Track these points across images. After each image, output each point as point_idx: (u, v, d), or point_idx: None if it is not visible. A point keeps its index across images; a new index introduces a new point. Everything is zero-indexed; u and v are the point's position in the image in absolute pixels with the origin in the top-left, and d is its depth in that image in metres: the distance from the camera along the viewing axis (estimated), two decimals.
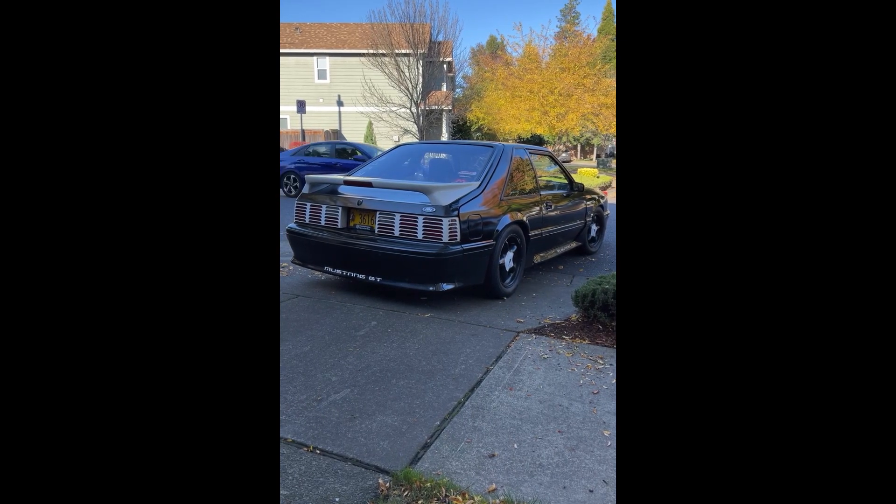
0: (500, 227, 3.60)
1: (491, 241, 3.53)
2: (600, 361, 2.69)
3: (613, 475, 1.73)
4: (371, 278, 3.51)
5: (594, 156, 31.87)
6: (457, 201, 3.37)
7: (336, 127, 22.46)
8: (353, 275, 3.59)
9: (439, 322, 3.26)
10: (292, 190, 10.83)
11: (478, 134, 28.63)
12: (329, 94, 22.52)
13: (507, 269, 3.82)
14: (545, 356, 2.76)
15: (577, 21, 36.40)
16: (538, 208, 4.16)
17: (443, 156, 4.78)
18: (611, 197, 10.76)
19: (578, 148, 35.74)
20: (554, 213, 4.42)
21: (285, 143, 19.98)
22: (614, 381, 2.45)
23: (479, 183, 3.64)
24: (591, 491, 1.67)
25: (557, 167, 4.99)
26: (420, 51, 18.85)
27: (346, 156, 11.18)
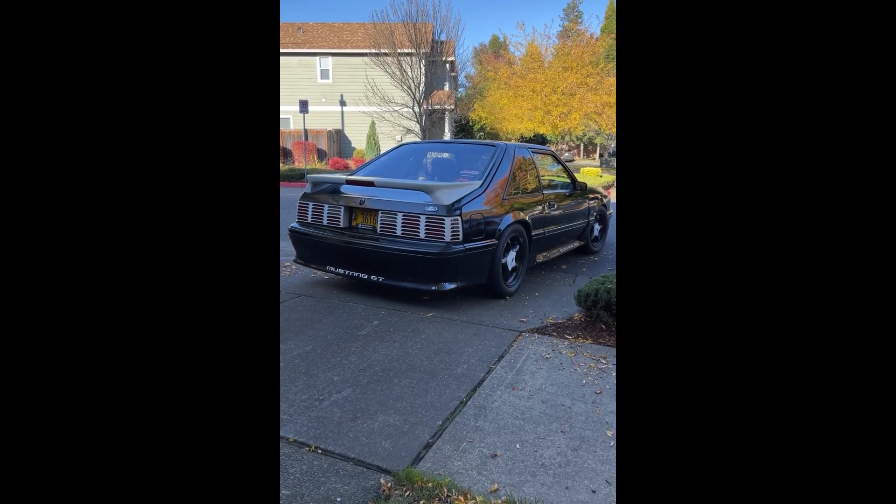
0: (502, 227, 3.59)
1: (493, 241, 3.52)
2: (603, 361, 2.68)
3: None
4: (373, 278, 3.50)
5: (597, 155, 31.81)
6: (459, 200, 3.36)
7: (339, 127, 22.49)
8: (356, 274, 3.59)
9: (441, 321, 3.25)
10: None
11: (480, 133, 28.61)
12: (332, 93, 22.53)
13: (510, 269, 3.81)
14: (548, 356, 2.75)
15: (579, 20, 36.28)
16: (541, 207, 4.15)
17: (445, 155, 4.78)
18: (614, 196, 10.72)
19: (581, 147, 35.71)
20: (556, 212, 4.41)
21: (287, 143, 20.04)
22: None
23: (481, 182, 3.64)
24: (593, 491, 1.66)
25: (560, 166, 4.98)
26: (423, 50, 18.81)
27: None
